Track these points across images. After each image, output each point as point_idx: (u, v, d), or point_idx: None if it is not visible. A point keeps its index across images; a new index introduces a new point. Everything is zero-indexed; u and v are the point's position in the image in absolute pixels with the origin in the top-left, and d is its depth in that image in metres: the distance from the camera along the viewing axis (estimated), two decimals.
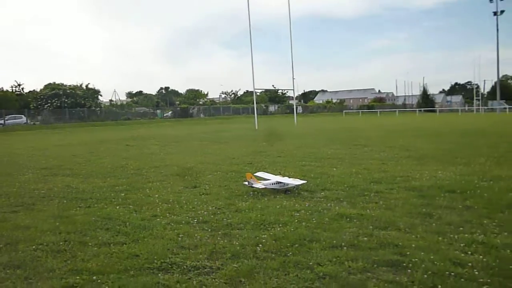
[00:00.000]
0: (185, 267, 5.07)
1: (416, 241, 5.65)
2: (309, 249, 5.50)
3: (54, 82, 63.58)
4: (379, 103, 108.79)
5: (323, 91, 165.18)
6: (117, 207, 8.23)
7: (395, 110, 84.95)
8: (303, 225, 6.54)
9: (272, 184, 9.13)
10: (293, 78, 42.97)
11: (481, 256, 4.99)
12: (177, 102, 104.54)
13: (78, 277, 4.84)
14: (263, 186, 9.02)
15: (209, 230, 6.52)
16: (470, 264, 4.78)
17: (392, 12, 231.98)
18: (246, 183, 9.11)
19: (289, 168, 12.44)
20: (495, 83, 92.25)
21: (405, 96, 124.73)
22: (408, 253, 5.18)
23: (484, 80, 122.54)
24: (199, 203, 8.29)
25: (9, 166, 15.42)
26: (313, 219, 6.89)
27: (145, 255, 5.47)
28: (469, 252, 5.15)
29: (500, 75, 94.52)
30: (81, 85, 62.36)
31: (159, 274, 4.89)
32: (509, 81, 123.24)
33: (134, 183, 10.79)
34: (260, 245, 5.71)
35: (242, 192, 9.18)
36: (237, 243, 5.82)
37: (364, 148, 17.90)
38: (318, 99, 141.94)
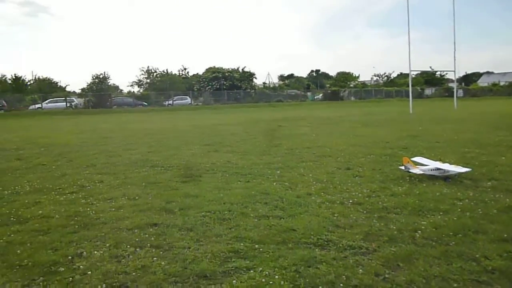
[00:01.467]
0: (341, 245, 5.15)
1: None
2: (474, 240, 5.13)
3: (214, 66, 68.48)
4: None
5: (488, 72, 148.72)
6: (274, 183, 8.64)
7: None
8: (466, 215, 6.10)
9: (431, 170, 8.66)
10: (454, 58, 39.50)
11: None
12: (328, 85, 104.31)
13: (242, 244, 5.25)
14: (421, 172, 8.60)
15: (364, 212, 6.48)
16: None
17: None
18: (403, 167, 8.79)
19: (449, 155, 11.62)
20: None
21: None
22: None
23: None
24: (352, 185, 8.27)
25: (178, 141, 17.17)
26: (479, 209, 6.38)
27: (301, 230, 5.68)
28: None
29: None
30: (237, 69, 66.04)
31: (316, 250, 5.04)
32: None
33: (288, 162, 11.18)
34: (419, 231, 5.51)
35: (397, 177, 8.88)
36: (393, 227, 5.69)
37: None
38: (483, 82, 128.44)
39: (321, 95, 71.37)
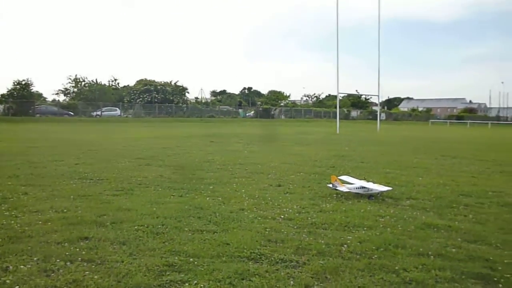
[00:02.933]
0: (273, 259, 5.35)
1: (509, 257, 5.48)
2: (394, 254, 5.55)
3: (146, 78, 67.38)
4: (469, 114, 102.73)
5: (408, 98, 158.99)
6: (207, 198, 8.74)
7: (487, 122, 79.80)
8: (388, 231, 6.57)
9: (356, 188, 9.18)
10: (379, 84, 42.05)
11: None
12: (259, 103, 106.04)
13: (176, 258, 5.30)
14: (347, 190, 9.10)
15: (295, 227, 6.76)
16: None
17: (488, 16, 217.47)
18: (330, 185, 9.24)
19: (373, 174, 12.35)
20: None
21: (499, 107, 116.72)
22: (499, 268, 5.07)
23: None
24: (284, 201, 8.56)
25: (108, 154, 16.73)
26: (399, 226, 6.89)
27: (235, 244, 5.83)
28: None
29: None
30: (170, 82, 65.50)
31: (249, 263, 5.21)
32: None
33: (220, 178, 11.32)
34: (345, 245, 5.86)
35: (325, 194, 9.32)
36: (322, 241, 6.00)
37: (452, 159, 17.21)
38: (403, 107, 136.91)
39: (252, 112, 72.46)
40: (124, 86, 73.49)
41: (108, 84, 74.69)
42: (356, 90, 78.72)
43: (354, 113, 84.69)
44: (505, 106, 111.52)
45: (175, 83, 65.95)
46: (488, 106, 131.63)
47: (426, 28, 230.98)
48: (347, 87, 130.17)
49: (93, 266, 5.02)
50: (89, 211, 7.46)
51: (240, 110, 74.85)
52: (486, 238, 6.32)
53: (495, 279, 4.76)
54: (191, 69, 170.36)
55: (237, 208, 7.94)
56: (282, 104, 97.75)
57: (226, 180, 11.00)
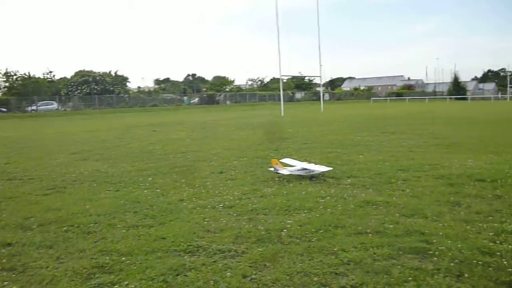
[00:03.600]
0: (210, 250, 5.15)
1: (443, 229, 5.57)
2: (333, 235, 5.50)
3: (84, 69, 64.71)
4: (408, 90, 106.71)
5: (350, 78, 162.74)
6: (145, 191, 8.39)
7: (425, 98, 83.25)
8: (328, 212, 6.53)
9: (298, 170, 9.13)
10: (320, 65, 42.58)
11: (510, 246, 4.89)
12: (204, 89, 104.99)
13: (107, 258, 4.98)
14: (289, 172, 9.03)
15: (235, 215, 6.59)
16: (498, 253, 4.69)
17: None
18: (272, 169, 9.14)
19: (315, 155, 12.40)
20: None
21: (435, 83, 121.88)
22: (434, 241, 5.12)
23: None
24: (225, 188, 8.37)
25: (41, 150, 15.85)
26: (339, 205, 6.87)
27: (171, 238, 5.57)
28: (498, 242, 5.06)
29: None
30: (110, 72, 63.24)
31: (185, 257, 4.97)
32: None
33: (160, 168, 10.96)
34: (285, 230, 5.74)
35: (267, 178, 9.21)
36: (262, 228, 5.86)
37: (391, 135, 17.67)
38: (346, 86, 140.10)
39: (197, 99, 71.57)
40: (61, 78, 70.17)
41: (43, 77, 70.99)
42: (300, 72, 79.39)
43: (298, 95, 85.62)
44: (441, 81, 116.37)
45: (115, 73, 63.73)
46: (425, 82, 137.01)
47: (366, 8, 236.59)
48: (290, 70, 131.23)
49: (14, 275, 4.61)
50: (14, 214, 6.94)
51: (184, 98, 73.64)
52: (422, 211, 6.42)
53: (430, 252, 4.80)
54: (132, 58, 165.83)
55: (176, 199, 7.66)
56: (227, 89, 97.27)
57: (167, 170, 10.65)
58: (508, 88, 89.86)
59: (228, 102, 71.96)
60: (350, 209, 6.64)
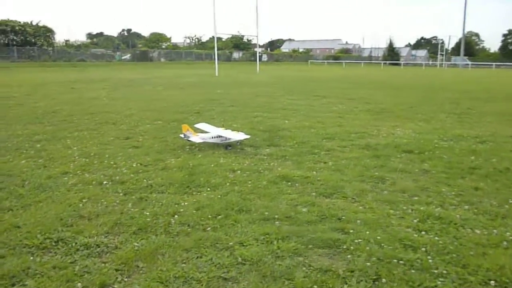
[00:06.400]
0: (73, 245, 4.00)
1: (364, 213, 4.77)
2: (234, 222, 4.52)
3: (6, 20, 58.71)
4: (345, 54, 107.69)
5: (290, 40, 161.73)
6: (25, 160, 6.99)
7: (361, 62, 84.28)
8: (235, 190, 5.54)
9: (212, 137, 8.07)
10: (257, 23, 41.07)
11: (436, 237, 4.15)
12: (140, 45, 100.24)
13: None
14: (202, 140, 7.94)
15: (122, 193, 5.43)
16: (423, 248, 3.92)
17: None
18: (182, 135, 8.01)
19: (239, 119, 11.37)
20: (460, 39, 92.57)
21: (371, 48, 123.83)
22: (351, 230, 4.28)
23: (450, 36, 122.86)
24: (123, 158, 7.16)
25: None
26: (250, 181, 5.91)
27: (28, 226, 4.35)
28: (423, 231, 4.30)
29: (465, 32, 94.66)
30: (31, 22, 57.86)
31: (36, 256, 3.80)
32: (473, 37, 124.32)
33: (58, 132, 9.48)
34: (177, 215, 4.69)
35: (177, 146, 8.08)
36: (149, 212, 4.76)
37: (323, 99, 16.97)
38: (285, 48, 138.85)
39: (129, 55, 67.79)
40: None
41: None
42: (238, 31, 77.33)
43: (236, 54, 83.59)
44: (377, 46, 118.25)
45: (37, 24, 58.49)
46: (362, 47, 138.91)
47: None
48: (229, 29, 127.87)
49: None
50: None
51: (116, 54, 69.50)
52: (342, 190, 5.61)
53: (345, 246, 3.96)
54: (63, 9, 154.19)
55: (59, 172, 6.36)
56: (163, 46, 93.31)
57: (64, 134, 9.20)
58: (438, 55, 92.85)
59: (162, 60, 68.84)
60: (262, 187, 5.69)
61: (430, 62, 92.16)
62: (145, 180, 5.96)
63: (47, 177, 6.08)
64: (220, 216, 4.65)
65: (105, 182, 5.85)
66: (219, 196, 5.28)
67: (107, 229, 4.36)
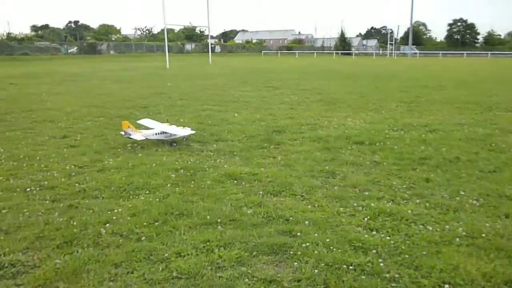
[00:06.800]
0: None
1: (313, 213, 4.48)
2: (173, 229, 4.12)
3: None
4: (298, 45, 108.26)
5: (243, 31, 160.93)
6: None
7: (313, 52, 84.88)
8: (176, 191, 5.14)
9: (156, 134, 7.59)
10: (208, 14, 40.24)
11: (388, 237, 3.91)
12: (88, 38, 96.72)
13: None
14: (144, 137, 7.44)
15: (50, 200, 4.91)
16: (374, 249, 3.67)
17: None
18: (123, 133, 7.48)
19: (187, 114, 10.91)
20: (408, 28, 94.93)
21: (323, 38, 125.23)
22: (299, 233, 3.98)
23: (398, 26, 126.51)
24: (56, 160, 6.57)
25: None
26: (193, 181, 5.51)
27: None
28: (374, 230, 4.06)
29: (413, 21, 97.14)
30: None
31: None
32: (420, 27, 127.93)
33: None
34: (109, 224, 4.23)
35: (118, 145, 7.55)
36: (77, 222, 4.28)
37: (275, 90, 16.71)
38: (239, 39, 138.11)
39: (76, 48, 65.12)
40: None
41: None
42: (190, 23, 75.93)
43: (188, 46, 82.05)
44: (329, 36, 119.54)
45: None
46: (314, 37, 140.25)
47: None
48: (181, 20, 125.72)
49: None
50: None
51: (63, 47, 66.54)
52: (291, 187, 5.32)
53: (292, 251, 3.65)
54: (3, 1, 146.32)
55: None
56: (113, 38, 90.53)
57: None
58: (388, 45, 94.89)
59: (112, 52, 66.60)
60: (205, 187, 5.31)
61: (381, 52, 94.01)
62: (77, 184, 5.44)
63: None
64: (157, 223, 4.24)
65: (32, 188, 5.29)
66: (158, 200, 4.86)
67: (27, 244, 3.85)
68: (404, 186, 5.33)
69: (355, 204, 4.72)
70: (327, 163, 6.35)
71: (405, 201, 4.87)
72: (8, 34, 74.29)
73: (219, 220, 4.30)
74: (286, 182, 5.47)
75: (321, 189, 5.27)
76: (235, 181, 5.54)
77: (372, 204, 4.68)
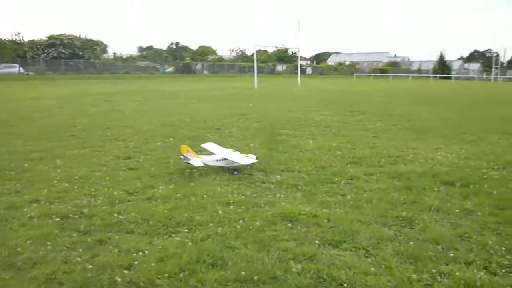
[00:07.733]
0: None
1: (376, 277, 3.55)
2: (199, 283, 3.41)
3: (59, 34, 60.56)
4: (392, 67, 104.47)
5: (337, 53, 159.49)
6: None
7: (409, 76, 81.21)
8: (218, 233, 4.43)
9: (216, 160, 7.02)
10: (299, 34, 40.03)
11: None
12: (187, 58, 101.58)
13: None
14: (203, 163, 6.89)
15: (81, 232, 4.45)
16: None
17: None
18: (182, 157, 7.00)
19: (259, 137, 10.28)
20: None
21: (420, 61, 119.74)
22: None
23: (505, 48, 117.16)
24: (108, 184, 6.21)
25: None
26: (241, 220, 4.78)
27: None
28: None
29: None
30: (79, 36, 59.44)
31: None
32: None
33: (57, 149, 8.72)
34: (130, 269, 3.63)
35: (178, 169, 7.09)
36: (96, 263, 3.73)
37: (360, 115, 15.59)
38: (331, 61, 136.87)
39: (172, 68, 68.37)
40: (29, 40, 66.01)
41: (10, 39, 66.68)
42: (283, 44, 76.42)
43: (280, 67, 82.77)
44: (426, 59, 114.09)
45: (85, 37, 60.09)
46: (411, 59, 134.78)
47: None
48: (274, 41, 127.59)
49: None
50: None
51: (160, 66, 70.30)
52: (357, 235, 4.39)
53: None
54: (117, 24, 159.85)
55: (28, 199, 5.49)
56: (209, 59, 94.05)
57: (62, 152, 8.42)
58: (493, 69, 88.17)
59: (205, 72, 69.04)
60: (254, 229, 4.55)
61: (484, 76, 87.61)
62: (116, 214, 4.96)
63: (8, 206, 5.21)
64: (183, 273, 3.56)
65: (69, 216, 4.90)
66: (194, 242, 4.19)
67: (33, 286, 3.36)
68: (504, 248, 4.14)
69: (434, 270, 3.67)
70: (405, 207, 5.30)
71: (504, 270, 3.72)
72: (114, 54, 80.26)
73: (256, 277, 3.51)
74: (351, 230, 4.54)
75: (392, 242, 4.28)
76: (290, 224, 4.72)
77: (458, 273, 3.60)
